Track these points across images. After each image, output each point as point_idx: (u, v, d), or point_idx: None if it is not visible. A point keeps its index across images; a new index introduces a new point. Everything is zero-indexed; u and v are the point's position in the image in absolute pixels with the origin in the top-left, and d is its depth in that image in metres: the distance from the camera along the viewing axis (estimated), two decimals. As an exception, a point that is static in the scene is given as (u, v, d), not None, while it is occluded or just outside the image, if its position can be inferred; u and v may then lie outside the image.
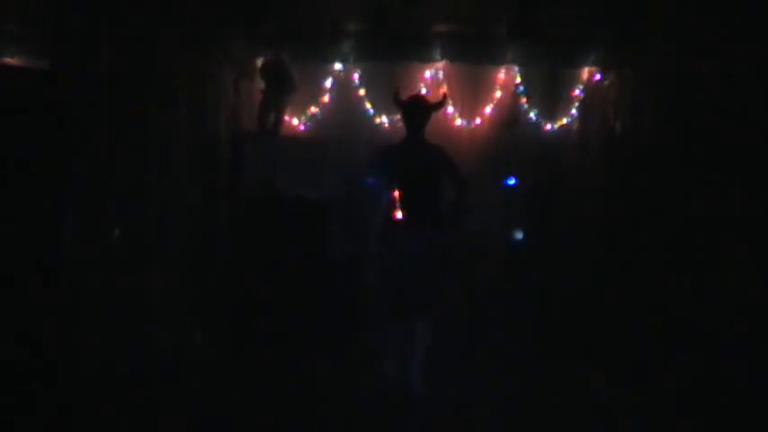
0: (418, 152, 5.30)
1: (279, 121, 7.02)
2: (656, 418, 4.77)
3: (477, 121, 7.30)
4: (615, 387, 5.36)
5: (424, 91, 6.94)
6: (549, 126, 7.34)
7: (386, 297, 5.22)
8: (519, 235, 7.27)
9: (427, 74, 7.19)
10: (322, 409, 4.75)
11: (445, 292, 5.36)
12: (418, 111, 5.40)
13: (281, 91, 6.96)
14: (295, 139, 7.18)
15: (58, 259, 4.55)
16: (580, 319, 6.59)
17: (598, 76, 7.17)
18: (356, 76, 7.22)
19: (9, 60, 5.70)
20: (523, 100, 7.30)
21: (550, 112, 7.34)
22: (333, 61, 7.16)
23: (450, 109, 7.24)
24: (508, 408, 4.92)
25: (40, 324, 4.27)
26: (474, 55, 7.12)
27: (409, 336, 5.19)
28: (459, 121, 7.30)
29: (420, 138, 5.40)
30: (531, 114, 7.31)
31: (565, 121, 7.35)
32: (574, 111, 7.34)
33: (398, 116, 6.88)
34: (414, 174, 5.19)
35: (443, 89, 6.68)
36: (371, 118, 7.24)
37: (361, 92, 7.22)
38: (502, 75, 7.31)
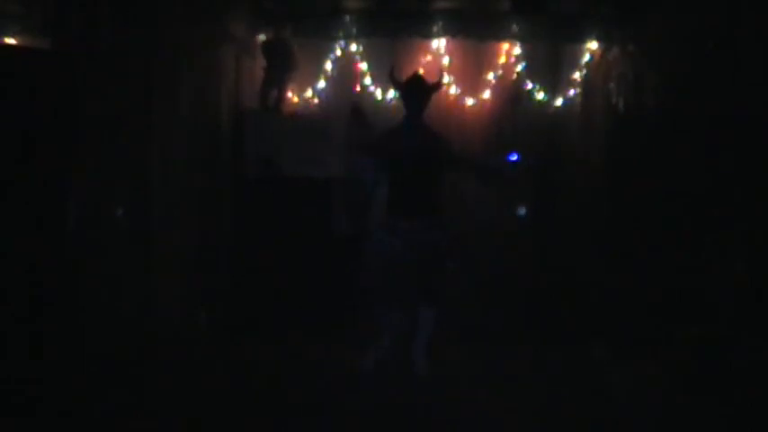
0: (418, 138, 5.18)
1: (281, 98, 7.00)
2: (660, 396, 4.80)
3: (479, 97, 7.27)
4: (618, 364, 5.38)
5: (422, 71, 6.86)
6: (551, 102, 7.32)
7: (387, 282, 5.11)
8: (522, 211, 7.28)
9: (429, 50, 7.17)
10: (323, 391, 4.76)
11: (447, 278, 5.23)
12: (418, 92, 5.27)
13: (283, 68, 6.94)
14: (297, 116, 7.16)
15: (60, 238, 4.56)
16: (583, 297, 6.62)
17: (601, 52, 7.13)
18: (358, 52, 7.19)
19: (10, 40, 5.69)
20: (526, 76, 7.27)
21: (553, 88, 7.30)
22: (334, 38, 7.12)
23: (451, 86, 7.21)
24: (511, 387, 4.95)
25: (41, 304, 4.28)
26: (476, 31, 7.07)
27: (412, 320, 5.18)
28: (460, 98, 7.27)
29: (420, 121, 5.27)
30: (534, 90, 7.28)
31: (568, 96, 7.32)
32: (577, 86, 7.30)
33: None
34: (413, 160, 5.10)
35: (441, 67, 6.56)
36: (373, 95, 7.21)
37: (363, 68, 7.19)
38: (504, 51, 7.26)
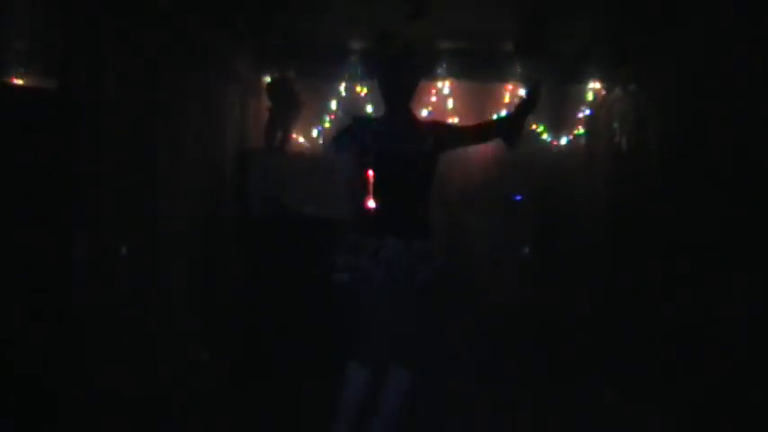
0: (405, 131, 3.92)
1: (285, 139, 7.03)
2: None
3: (484, 137, 7.29)
4: (629, 404, 5.32)
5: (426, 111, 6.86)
6: (556, 142, 7.33)
7: (356, 329, 3.90)
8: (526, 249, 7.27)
9: (433, 91, 7.20)
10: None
11: (432, 326, 4.08)
12: (402, 72, 3.95)
13: (288, 109, 6.97)
14: (302, 157, 7.18)
15: (63, 279, 4.53)
16: (589, 336, 6.57)
17: (605, 92, 7.17)
18: (363, 93, 7.23)
19: (17, 80, 5.72)
20: (529, 116, 7.29)
21: (557, 128, 7.33)
22: (339, 79, 7.18)
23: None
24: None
25: (41, 349, 4.23)
26: (480, 72, 7.13)
27: (377, 384, 3.88)
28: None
29: (407, 111, 4.00)
30: (538, 130, 7.30)
31: (572, 136, 7.34)
32: (581, 126, 7.34)
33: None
34: (397, 162, 3.86)
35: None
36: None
37: (368, 109, 7.22)
38: (508, 91, 7.32)
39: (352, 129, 4.05)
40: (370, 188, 3.87)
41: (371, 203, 3.87)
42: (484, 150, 7.20)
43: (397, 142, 3.86)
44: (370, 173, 3.87)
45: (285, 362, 6.14)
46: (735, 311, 4.95)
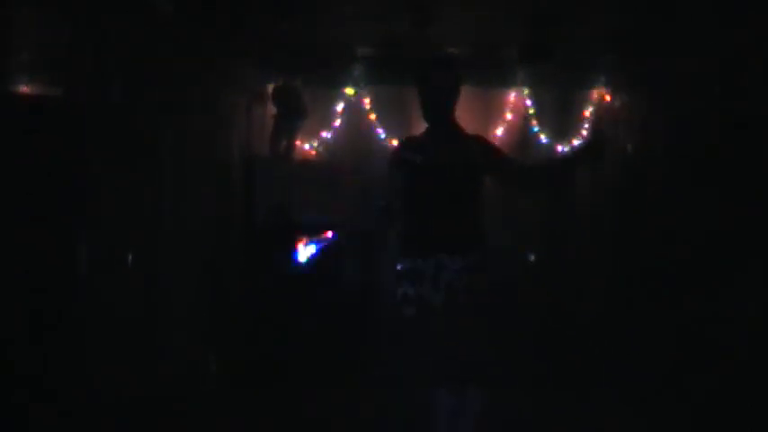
0: (452, 144, 3.71)
1: (291, 146, 7.06)
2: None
3: (489, 143, 7.29)
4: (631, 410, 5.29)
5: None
6: (560, 147, 7.33)
7: (416, 353, 3.65)
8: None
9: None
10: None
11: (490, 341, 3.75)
12: (445, 81, 3.77)
13: (293, 116, 7.01)
14: (307, 164, 7.22)
15: (69, 286, 4.56)
16: (595, 342, 6.55)
17: (609, 97, 7.17)
18: (368, 100, 7.26)
19: (23, 89, 5.77)
20: (534, 122, 7.31)
21: (561, 134, 7.33)
22: (344, 86, 7.21)
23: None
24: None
25: (42, 349, 4.25)
26: (484, 78, 7.13)
27: (453, 407, 3.72)
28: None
29: (451, 123, 3.80)
30: (542, 136, 7.31)
31: (576, 142, 7.34)
32: (585, 132, 7.33)
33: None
34: (446, 174, 3.65)
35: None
36: (383, 142, 7.25)
37: (373, 116, 7.25)
38: (512, 97, 7.33)
39: (400, 150, 3.84)
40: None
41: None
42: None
43: (442, 156, 3.66)
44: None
45: (292, 368, 6.15)
46: (741, 317, 4.94)
